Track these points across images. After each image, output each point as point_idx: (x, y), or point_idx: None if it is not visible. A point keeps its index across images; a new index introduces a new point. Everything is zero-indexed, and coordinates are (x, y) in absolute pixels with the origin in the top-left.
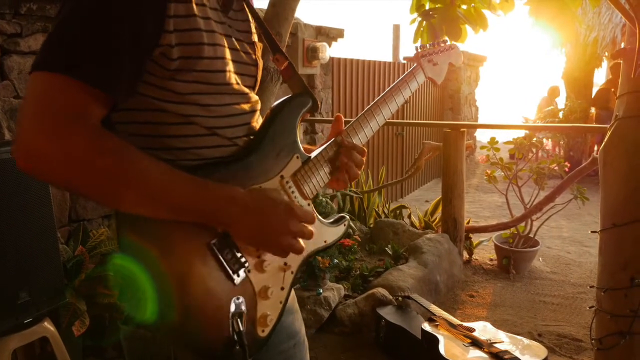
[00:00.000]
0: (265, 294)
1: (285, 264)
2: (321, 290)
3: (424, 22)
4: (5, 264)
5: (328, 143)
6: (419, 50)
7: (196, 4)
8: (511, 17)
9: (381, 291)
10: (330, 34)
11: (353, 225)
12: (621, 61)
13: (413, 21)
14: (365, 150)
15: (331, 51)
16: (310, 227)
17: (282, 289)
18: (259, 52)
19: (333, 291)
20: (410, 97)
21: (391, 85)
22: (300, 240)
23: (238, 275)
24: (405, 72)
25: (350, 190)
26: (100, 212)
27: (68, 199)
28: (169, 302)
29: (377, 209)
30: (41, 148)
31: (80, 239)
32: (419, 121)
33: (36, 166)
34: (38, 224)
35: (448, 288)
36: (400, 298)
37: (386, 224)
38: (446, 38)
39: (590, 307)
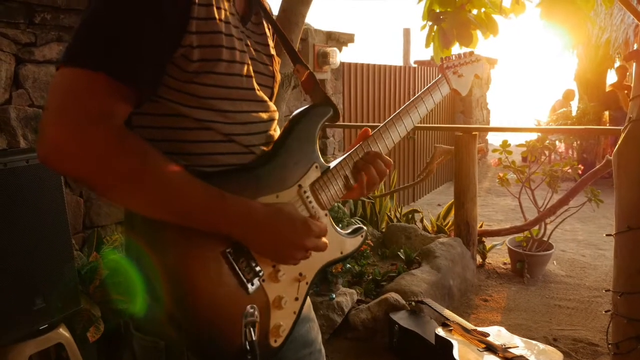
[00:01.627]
0: (279, 304)
1: (301, 274)
2: (334, 296)
3: (435, 26)
4: (20, 271)
5: (350, 152)
6: (444, 62)
7: (217, 8)
8: (522, 19)
9: (394, 296)
10: (340, 39)
11: (366, 230)
12: (634, 63)
13: (424, 27)
14: (392, 162)
15: (342, 56)
16: (324, 240)
17: (297, 299)
18: (276, 66)
19: (346, 296)
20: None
21: (415, 96)
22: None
23: (252, 284)
24: (429, 83)
25: None
26: (114, 218)
27: (82, 205)
28: (182, 309)
29: (389, 213)
30: (65, 143)
31: (94, 245)
32: (431, 125)
33: (58, 160)
34: (53, 231)
35: (461, 292)
36: (413, 303)
37: (398, 228)
38: (473, 51)
39: (606, 311)
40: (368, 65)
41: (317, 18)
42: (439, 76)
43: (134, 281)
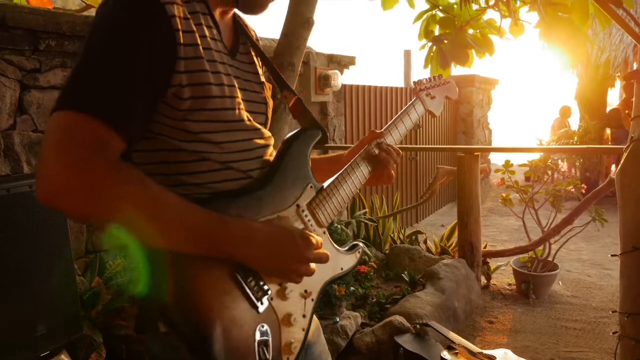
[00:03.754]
0: (289, 321)
1: (306, 291)
2: (338, 319)
3: (434, 47)
4: (22, 297)
5: (342, 171)
6: (417, 85)
7: (203, 48)
8: (522, 40)
9: (399, 319)
10: (342, 62)
11: (368, 252)
12: (634, 82)
13: (423, 47)
14: (401, 152)
15: (343, 78)
16: (325, 250)
17: (304, 316)
18: (268, 92)
19: (350, 319)
20: (418, 123)
21: (393, 119)
22: (315, 265)
23: (262, 303)
24: (406, 105)
25: (365, 217)
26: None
27: (85, 230)
28: (196, 333)
29: (392, 235)
30: (62, 180)
31: (96, 270)
32: (433, 146)
33: (58, 198)
34: (55, 256)
35: (466, 314)
36: (418, 326)
37: (402, 250)
38: (442, 74)
39: (613, 333)
40: (369, 87)
41: (318, 41)
42: (414, 98)
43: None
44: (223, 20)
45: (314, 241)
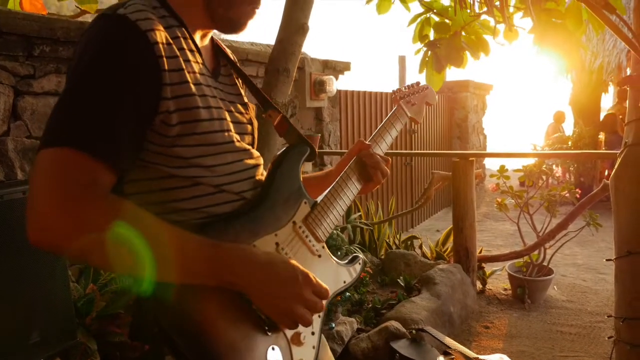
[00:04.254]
0: (298, 340)
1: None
2: (334, 325)
3: (429, 52)
4: (16, 305)
5: (334, 184)
6: (396, 93)
7: (188, 72)
8: (516, 45)
9: (394, 324)
10: (337, 68)
11: (364, 257)
12: (627, 87)
13: (418, 51)
14: (389, 159)
15: (338, 84)
16: (323, 303)
17: (313, 333)
18: (252, 112)
19: (346, 325)
20: (413, 129)
21: (378, 128)
22: (319, 279)
23: (271, 324)
24: (389, 114)
25: (360, 222)
26: None
27: None
28: (207, 357)
29: (387, 240)
30: (54, 220)
31: (91, 276)
32: (428, 151)
33: (51, 239)
34: (49, 264)
35: (462, 319)
36: (414, 331)
37: (397, 255)
38: (418, 81)
39: (609, 337)
40: (364, 92)
41: (313, 47)
42: (395, 107)
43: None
44: (203, 43)
45: (315, 283)
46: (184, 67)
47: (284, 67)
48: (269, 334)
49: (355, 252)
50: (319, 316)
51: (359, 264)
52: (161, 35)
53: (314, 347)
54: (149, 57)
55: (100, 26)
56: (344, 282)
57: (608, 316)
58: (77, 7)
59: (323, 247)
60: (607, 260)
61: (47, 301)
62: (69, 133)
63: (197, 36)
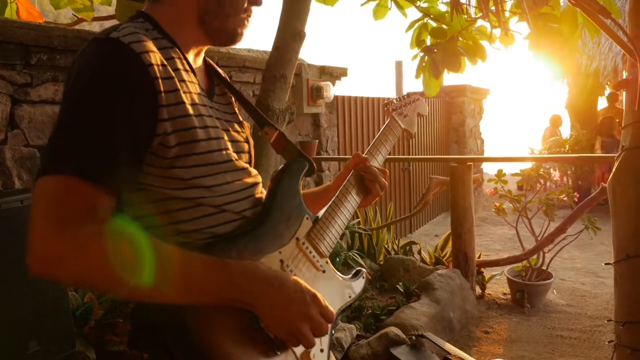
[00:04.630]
0: (308, 358)
1: None
2: (333, 331)
3: (426, 57)
4: (14, 314)
5: (334, 199)
6: (389, 106)
7: (183, 92)
8: (512, 50)
9: (394, 330)
10: (334, 73)
11: (363, 263)
12: (624, 91)
13: (415, 57)
14: (387, 171)
15: (335, 89)
16: (328, 326)
17: (322, 350)
18: (247, 131)
19: (345, 332)
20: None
21: (373, 141)
22: (325, 296)
23: (280, 344)
24: (383, 127)
25: (359, 228)
26: None
27: None
28: None
29: (386, 246)
30: (56, 250)
31: None
32: (425, 156)
33: (54, 269)
34: None
35: (462, 325)
36: (414, 337)
37: (396, 260)
38: (410, 92)
39: (609, 342)
40: (362, 98)
41: (310, 53)
42: (388, 119)
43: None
44: (196, 64)
45: (322, 304)
46: (179, 87)
47: (281, 74)
48: (278, 353)
49: (353, 258)
50: (327, 333)
51: (363, 277)
52: (155, 57)
53: None
54: (145, 79)
55: (94, 50)
56: (350, 296)
57: (608, 320)
58: (74, 15)
59: (327, 262)
60: (606, 264)
61: (46, 310)
62: (67, 160)
63: (191, 56)
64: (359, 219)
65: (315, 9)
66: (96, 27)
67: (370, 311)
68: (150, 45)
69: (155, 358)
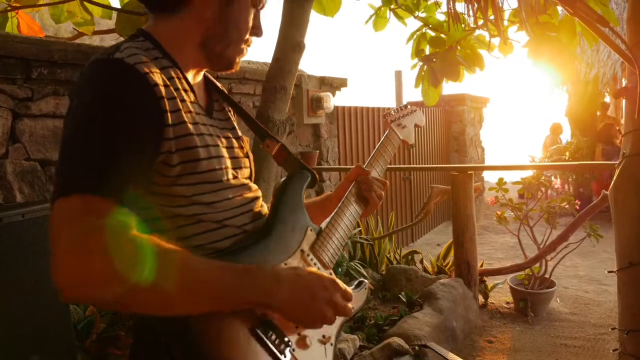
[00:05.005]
0: (305, 344)
1: (324, 336)
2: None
3: (425, 66)
4: (16, 327)
5: (337, 209)
6: (387, 117)
7: (184, 112)
8: (511, 58)
9: (397, 341)
10: (333, 84)
11: (365, 273)
12: (623, 99)
13: (414, 66)
14: (387, 182)
15: (335, 100)
16: (350, 305)
17: (332, 344)
18: (247, 145)
19: (348, 342)
20: (412, 143)
21: (373, 152)
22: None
23: (285, 356)
24: (382, 138)
25: (360, 237)
26: None
27: None
28: None
29: (388, 255)
30: (84, 272)
31: None
32: (426, 165)
33: (85, 291)
34: (49, 285)
35: (465, 334)
36: (417, 347)
37: (398, 270)
38: (407, 103)
39: (614, 350)
40: (362, 108)
41: (310, 64)
42: (387, 131)
43: None
44: (195, 80)
45: (342, 287)
46: (180, 107)
47: (281, 85)
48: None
49: (356, 269)
50: (332, 344)
51: (365, 289)
52: (158, 77)
53: None
54: (151, 99)
55: (99, 71)
56: (352, 307)
57: (612, 328)
58: (75, 29)
59: (330, 273)
60: (609, 272)
61: (47, 324)
62: (79, 180)
63: (190, 74)
64: (360, 229)
65: (315, 20)
66: (96, 41)
67: (373, 321)
68: (152, 66)
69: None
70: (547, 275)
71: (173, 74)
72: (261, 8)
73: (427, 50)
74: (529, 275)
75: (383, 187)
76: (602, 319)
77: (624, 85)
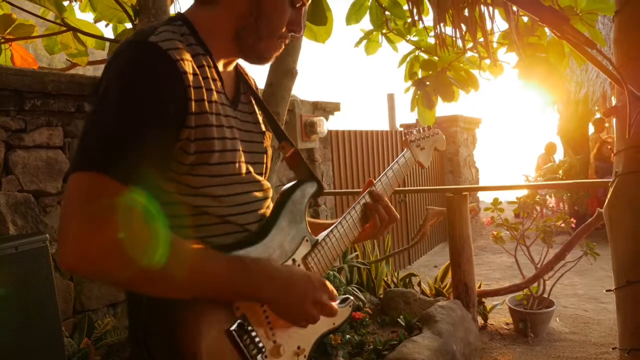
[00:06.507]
0: (278, 354)
1: (299, 347)
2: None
3: (419, 90)
4: None
5: (335, 224)
6: (407, 136)
7: (208, 102)
8: (502, 79)
9: None
10: (327, 109)
11: (363, 297)
12: (613, 118)
13: (407, 90)
14: (398, 217)
15: (329, 124)
16: (335, 305)
17: (299, 348)
18: (268, 141)
19: None
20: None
21: (385, 170)
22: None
23: (255, 352)
24: (398, 157)
25: (357, 262)
26: (106, 300)
27: (73, 289)
28: None
29: (385, 279)
30: (92, 244)
31: (85, 330)
32: (421, 187)
33: (91, 264)
34: (42, 320)
35: (466, 357)
36: None
37: (396, 293)
38: (430, 125)
39: None
40: (355, 131)
41: (303, 89)
42: (405, 150)
43: None
44: (226, 70)
45: (329, 288)
46: (205, 97)
47: (274, 111)
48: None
49: (353, 293)
50: (305, 356)
51: (350, 306)
52: (189, 65)
53: None
54: (179, 86)
55: (133, 53)
56: (334, 323)
57: (613, 348)
58: (68, 60)
59: None
60: (607, 290)
61: (40, 357)
62: (101, 158)
63: (221, 63)
64: (357, 253)
65: (307, 46)
66: (90, 71)
67: (372, 347)
68: (185, 52)
69: (134, 354)
70: (545, 295)
71: (204, 62)
72: (301, 6)
73: (420, 73)
74: (527, 295)
75: (390, 218)
76: (603, 338)
77: (613, 103)
